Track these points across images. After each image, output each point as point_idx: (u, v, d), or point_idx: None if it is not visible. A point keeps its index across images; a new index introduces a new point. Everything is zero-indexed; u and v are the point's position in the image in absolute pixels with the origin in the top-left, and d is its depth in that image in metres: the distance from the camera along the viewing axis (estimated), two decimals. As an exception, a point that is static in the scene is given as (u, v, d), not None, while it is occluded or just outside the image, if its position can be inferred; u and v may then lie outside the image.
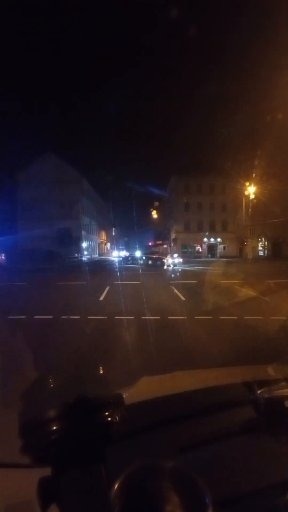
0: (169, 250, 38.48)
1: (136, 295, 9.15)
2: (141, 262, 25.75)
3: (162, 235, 43.58)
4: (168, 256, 27.61)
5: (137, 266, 23.60)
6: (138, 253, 31.10)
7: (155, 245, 43.00)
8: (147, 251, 31.55)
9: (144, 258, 26.29)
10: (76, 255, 36.42)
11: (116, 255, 35.98)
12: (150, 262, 24.94)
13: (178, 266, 24.24)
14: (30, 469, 0.66)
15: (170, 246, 40.66)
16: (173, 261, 25.47)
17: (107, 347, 4.50)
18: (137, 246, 35.91)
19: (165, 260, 25.18)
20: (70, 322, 6.04)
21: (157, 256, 26.48)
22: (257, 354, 3.75)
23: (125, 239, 52.29)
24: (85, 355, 4.08)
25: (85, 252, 40.88)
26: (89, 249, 45.65)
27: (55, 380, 0.82)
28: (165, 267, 23.39)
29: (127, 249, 42.83)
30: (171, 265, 23.94)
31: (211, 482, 0.63)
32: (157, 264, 24.16)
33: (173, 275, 18.00)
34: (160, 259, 25.39)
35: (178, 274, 18.55)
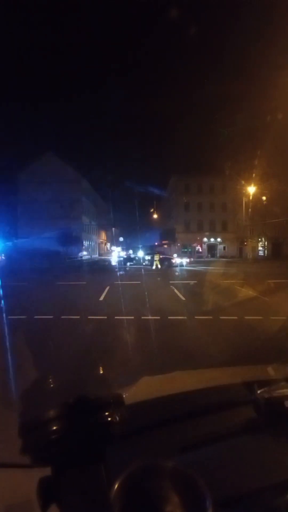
0: (170, 250, 38.28)
1: (136, 295, 9.15)
2: (145, 263, 24.90)
3: (169, 235, 43.02)
4: (176, 257, 26.72)
5: (138, 267, 23.43)
6: (140, 253, 30.46)
7: (161, 245, 42.52)
8: (149, 251, 29.55)
9: (149, 258, 24.92)
10: (83, 253, 36.20)
11: (116, 255, 35.44)
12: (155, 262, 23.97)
13: (186, 266, 23.68)
14: (30, 469, 0.66)
15: (176, 246, 40.24)
16: (181, 261, 24.74)
17: (107, 347, 4.50)
18: (140, 246, 35.32)
19: (173, 261, 24.32)
20: (70, 322, 6.04)
21: (163, 256, 25.35)
22: (257, 354, 3.75)
23: (124, 240, 52.03)
24: (85, 355, 4.08)
25: (85, 252, 40.81)
26: (89, 249, 45.64)
27: (55, 380, 0.82)
28: (173, 267, 22.73)
29: (127, 249, 42.50)
30: (178, 265, 23.35)
31: (211, 482, 0.63)
32: (165, 265, 23.05)
33: (173, 275, 17.99)
34: (168, 259, 24.29)
35: (177, 274, 18.53)
